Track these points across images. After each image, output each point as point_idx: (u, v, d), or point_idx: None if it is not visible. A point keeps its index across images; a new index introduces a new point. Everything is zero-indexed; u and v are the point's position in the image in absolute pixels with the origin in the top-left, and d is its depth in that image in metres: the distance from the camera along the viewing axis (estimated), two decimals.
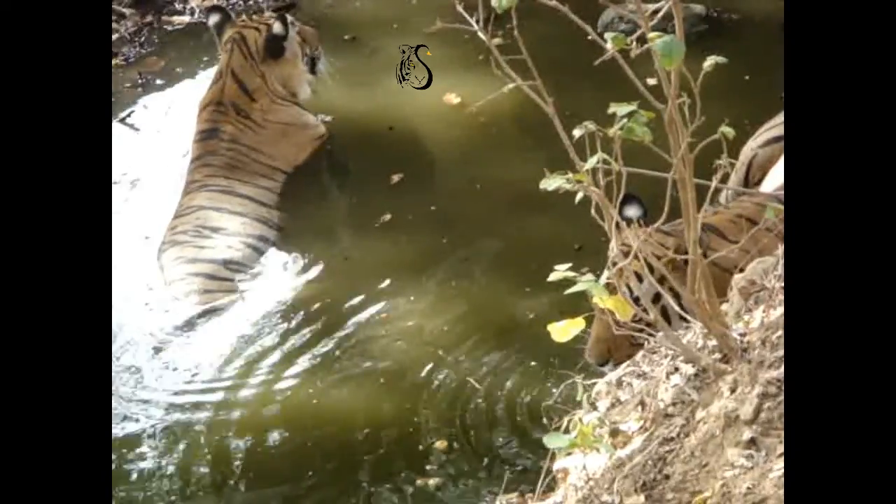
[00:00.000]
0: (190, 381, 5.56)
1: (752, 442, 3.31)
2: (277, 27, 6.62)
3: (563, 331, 3.59)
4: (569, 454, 3.82)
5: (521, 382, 5.31)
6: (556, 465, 3.91)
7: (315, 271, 6.03)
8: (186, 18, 7.76)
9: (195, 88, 7.10)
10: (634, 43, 3.26)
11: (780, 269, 3.91)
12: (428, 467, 5.07)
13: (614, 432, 3.82)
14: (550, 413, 4.97)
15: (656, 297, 4.18)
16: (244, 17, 7.01)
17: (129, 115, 7.11)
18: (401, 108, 6.78)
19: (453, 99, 6.79)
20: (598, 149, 3.38)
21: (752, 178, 5.63)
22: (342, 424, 5.28)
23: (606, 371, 4.57)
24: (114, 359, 5.65)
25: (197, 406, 5.46)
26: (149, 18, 7.78)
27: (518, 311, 5.63)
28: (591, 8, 3.69)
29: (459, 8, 3.59)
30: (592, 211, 3.53)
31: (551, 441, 3.68)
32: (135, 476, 5.22)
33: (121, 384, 5.56)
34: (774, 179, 5.47)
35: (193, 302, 5.91)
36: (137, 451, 5.30)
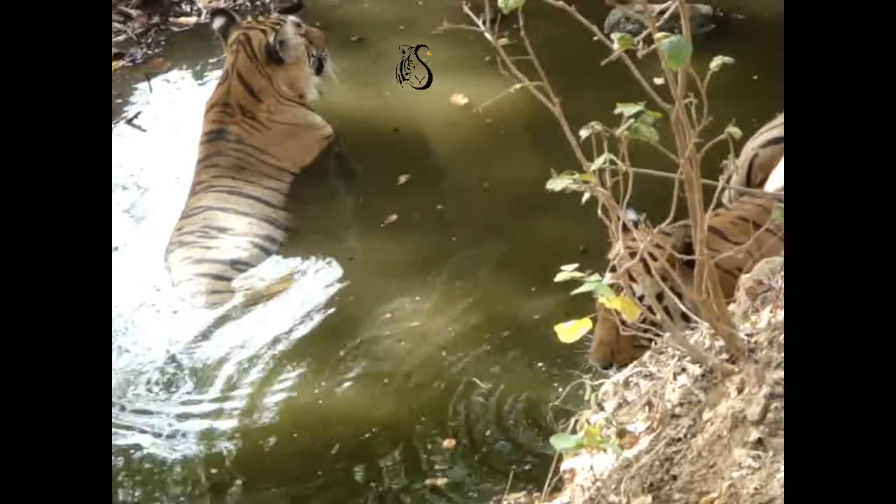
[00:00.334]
0: (195, 382, 5.57)
1: (759, 442, 3.30)
2: (274, 38, 6.61)
3: (571, 331, 3.59)
4: (576, 455, 3.82)
5: (527, 383, 5.31)
6: (564, 466, 3.91)
7: (321, 272, 6.03)
8: (193, 20, 7.77)
9: (201, 89, 7.11)
10: (641, 43, 3.26)
11: None
12: (437, 467, 5.07)
13: (621, 433, 3.82)
14: (557, 413, 4.97)
15: (659, 297, 4.18)
16: (249, 18, 7.02)
17: (135, 117, 7.12)
18: (407, 109, 6.78)
19: (460, 100, 6.79)
20: (604, 149, 3.38)
21: (753, 179, 5.62)
22: (349, 425, 5.28)
23: (611, 374, 4.57)
24: (121, 360, 5.66)
25: (203, 406, 5.46)
26: (155, 20, 7.79)
27: (524, 311, 5.63)
28: (597, 8, 3.69)
29: (466, 9, 3.59)
30: (599, 211, 3.53)
31: (558, 441, 3.68)
32: (141, 477, 5.22)
33: (127, 386, 5.56)
34: (777, 180, 5.46)
35: (200, 302, 5.92)
36: (144, 451, 5.31)
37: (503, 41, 3.47)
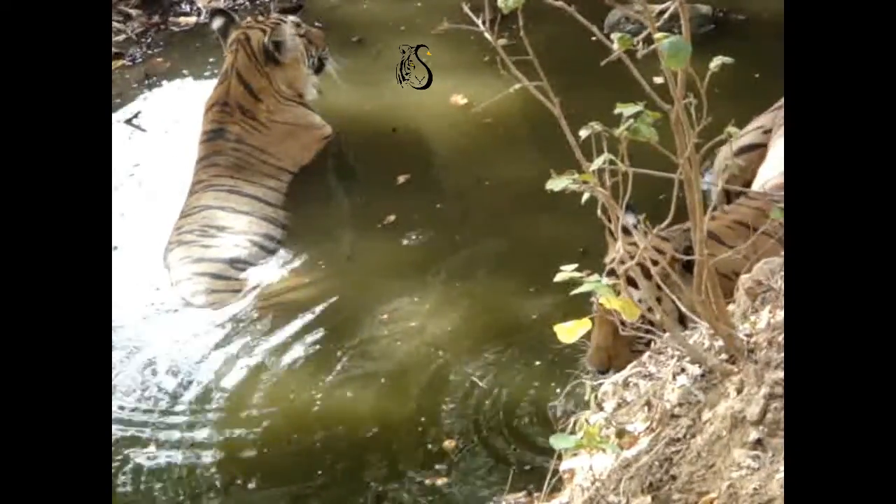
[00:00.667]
0: (194, 382, 5.57)
1: (758, 443, 3.30)
2: (268, 38, 6.61)
3: (570, 332, 3.59)
4: (575, 455, 3.81)
5: (526, 383, 5.31)
6: (563, 466, 3.91)
7: (320, 271, 6.03)
8: (193, 19, 7.77)
9: (201, 89, 7.11)
10: (641, 43, 3.26)
11: None
12: (437, 466, 5.07)
13: (620, 433, 3.82)
14: (556, 413, 4.97)
15: (659, 299, 4.18)
16: (249, 18, 7.02)
17: (135, 116, 7.12)
18: (407, 109, 6.78)
19: (460, 100, 6.79)
20: (604, 149, 3.37)
21: (730, 191, 5.56)
22: (348, 425, 5.28)
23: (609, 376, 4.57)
24: (120, 359, 5.66)
25: (201, 406, 5.46)
26: (155, 19, 7.79)
27: (522, 311, 5.63)
28: (597, 8, 3.69)
29: (466, 9, 3.59)
30: (599, 211, 3.53)
31: (558, 442, 3.68)
32: (142, 477, 5.22)
33: (127, 385, 5.56)
34: (764, 178, 5.44)
35: (200, 301, 5.92)
36: (144, 451, 5.31)
37: (503, 41, 3.47)
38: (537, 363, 5.36)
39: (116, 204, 6.44)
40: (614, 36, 3.30)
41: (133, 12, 7.81)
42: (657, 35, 3.19)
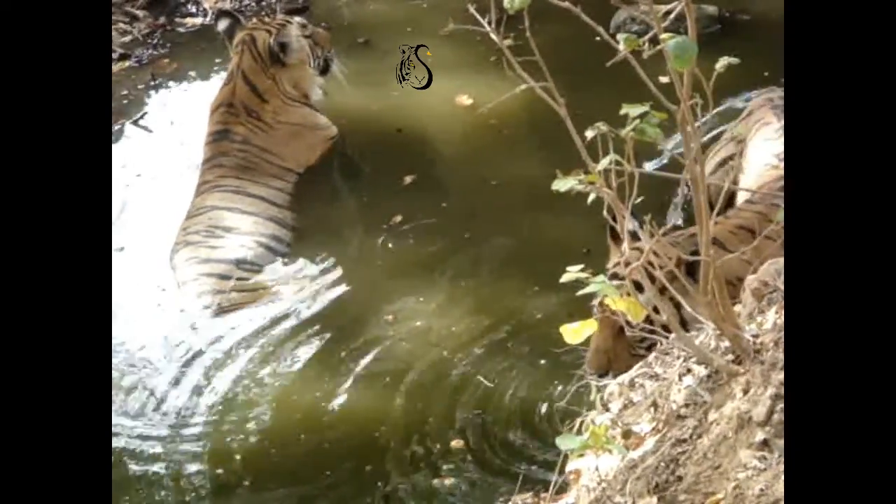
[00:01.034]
0: (199, 382, 5.57)
1: (764, 443, 3.30)
2: (273, 39, 6.61)
3: (576, 332, 3.59)
4: (581, 455, 3.81)
5: (531, 383, 5.31)
6: (569, 467, 3.91)
7: (325, 272, 6.04)
8: (199, 20, 7.78)
9: (207, 90, 7.12)
10: (647, 44, 3.26)
11: None
12: (444, 466, 5.08)
13: (627, 434, 3.82)
14: (562, 414, 4.97)
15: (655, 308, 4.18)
16: (255, 19, 7.02)
17: (141, 117, 7.13)
18: (413, 110, 6.79)
19: (465, 100, 6.80)
20: (610, 150, 3.37)
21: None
22: (355, 425, 5.28)
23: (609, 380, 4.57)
24: (126, 359, 5.67)
25: (207, 406, 5.46)
26: (161, 20, 7.79)
27: (527, 311, 5.63)
28: (603, 9, 3.68)
29: (472, 9, 3.59)
30: (604, 212, 3.52)
31: (564, 442, 3.68)
32: (150, 477, 5.22)
33: (132, 386, 5.57)
34: (749, 179, 5.38)
35: (206, 302, 5.93)
36: (151, 452, 5.31)
37: (508, 42, 3.47)
38: (542, 363, 5.36)
39: (122, 205, 6.46)
40: (620, 36, 3.30)
41: (139, 13, 7.82)
42: (663, 35, 3.18)
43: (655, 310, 4.09)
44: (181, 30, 7.76)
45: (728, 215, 5.10)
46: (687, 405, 3.68)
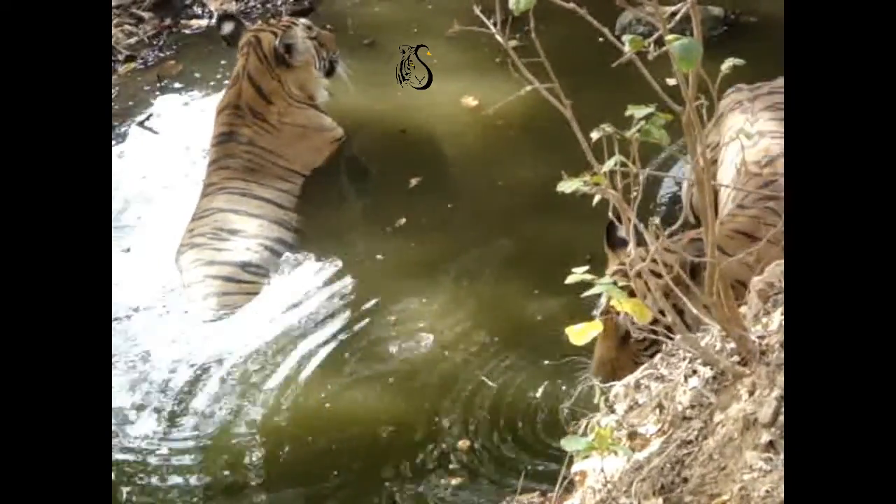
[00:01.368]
0: (204, 383, 5.57)
1: (770, 445, 3.30)
2: (279, 40, 6.61)
3: (580, 334, 3.59)
4: (587, 457, 3.81)
5: (535, 384, 5.31)
6: (574, 468, 3.90)
7: (330, 274, 6.04)
8: (204, 22, 7.79)
9: (213, 92, 7.12)
10: (652, 45, 3.26)
11: None
12: (451, 466, 5.08)
13: (632, 435, 3.82)
14: (567, 415, 4.97)
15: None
16: (260, 21, 7.03)
17: (147, 119, 7.13)
18: (418, 112, 6.79)
19: (470, 102, 6.80)
20: (615, 151, 3.37)
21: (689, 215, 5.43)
22: (361, 426, 5.28)
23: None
24: (130, 360, 5.68)
25: (212, 408, 5.46)
26: (167, 22, 7.80)
27: (529, 313, 5.63)
28: (608, 10, 3.68)
29: (477, 11, 3.59)
30: (610, 213, 3.52)
31: (569, 444, 3.68)
32: (155, 479, 5.23)
33: (136, 386, 5.57)
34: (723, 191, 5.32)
35: (211, 304, 5.93)
36: (156, 453, 5.32)
37: (514, 43, 3.47)
38: (546, 364, 5.36)
39: (128, 206, 6.46)
40: (625, 38, 3.30)
41: (145, 15, 7.83)
42: (668, 37, 3.18)
43: (661, 312, 4.09)
44: (187, 31, 7.77)
45: (722, 220, 5.07)
46: (692, 406, 3.68)
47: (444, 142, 6.67)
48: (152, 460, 5.29)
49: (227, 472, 5.22)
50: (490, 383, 5.32)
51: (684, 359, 3.88)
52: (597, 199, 3.47)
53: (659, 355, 4.13)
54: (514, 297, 5.75)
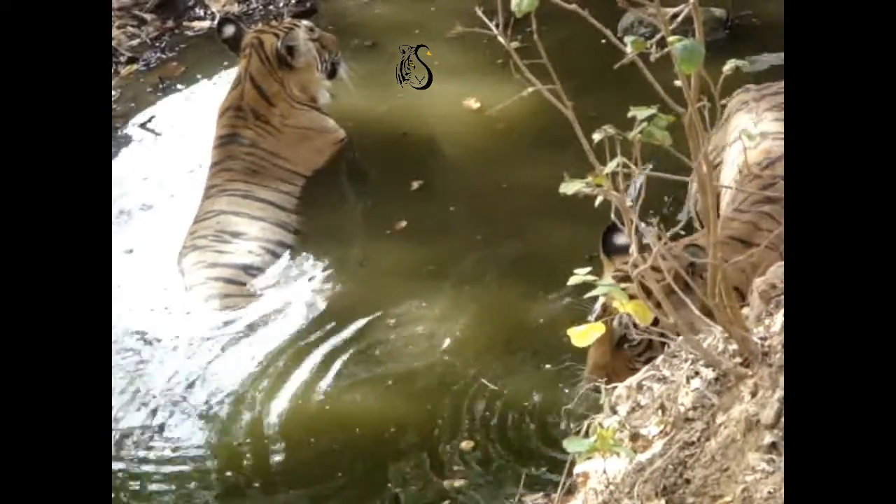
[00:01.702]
0: (205, 384, 5.58)
1: (773, 446, 3.30)
2: (281, 42, 6.61)
3: (583, 335, 3.59)
4: (589, 458, 3.81)
5: (536, 386, 5.31)
6: (577, 469, 3.90)
7: (332, 276, 6.05)
8: (207, 24, 7.79)
9: (215, 93, 7.12)
10: (654, 46, 3.26)
11: None
12: (455, 468, 5.08)
13: (634, 436, 3.82)
14: (570, 417, 4.97)
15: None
16: (261, 24, 7.03)
17: (149, 120, 7.14)
18: (420, 114, 6.79)
19: (473, 104, 6.79)
20: (617, 153, 3.37)
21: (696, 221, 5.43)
22: (364, 428, 5.29)
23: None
24: (132, 361, 5.68)
25: (213, 409, 5.47)
26: (170, 24, 7.80)
27: (530, 315, 5.63)
28: (610, 12, 3.68)
29: (479, 12, 3.59)
30: (612, 215, 3.52)
31: (571, 445, 3.68)
32: (157, 481, 5.23)
33: (138, 388, 5.57)
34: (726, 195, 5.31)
35: (213, 306, 5.93)
36: (157, 454, 5.32)
37: (516, 44, 3.47)
38: (547, 366, 5.36)
39: (130, 208, 6.47)
40: (628, 39, 3.30)
41: (147, 17, 7.83)
42: (670, 38, 3.18)
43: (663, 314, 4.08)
44: (189, 33, 7.77)
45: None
46: (695, 408, 3.68)
47: (445, 144, 6.67)
48: (153, 463, 5.29)
49: (228, 474, 5.22)
50: (492, 386, 5.32)
51: (686, 360, 3.88)
52: (598, 200, 3.46)
53: (661, 356, 4.13)
54: (515, 299, 5.75)
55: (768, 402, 3.36)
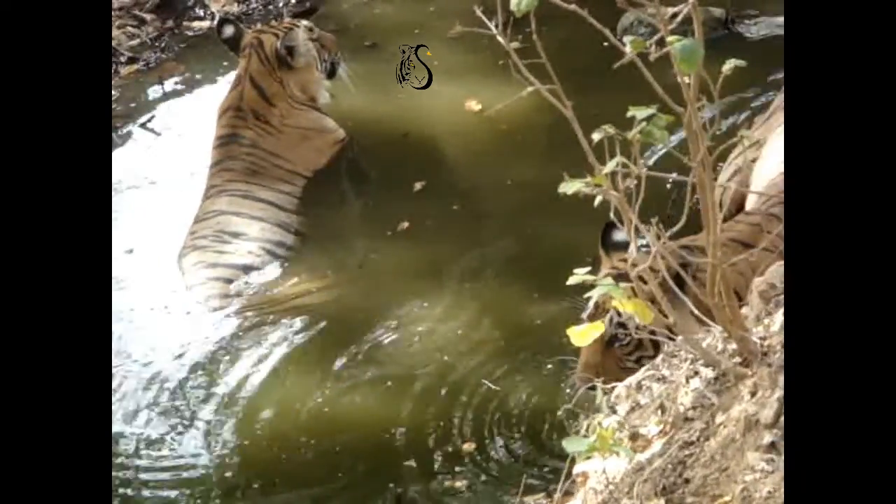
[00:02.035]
0: (206, 385, 5.58)
1: (772, 446, 3.30)
2: (281, 42, 6.62)
3: (583, 335, 3.59)
4: (588, 458, 3.81)
5: (537, 386, 5.31)
6: (576, 469, 3.90)
7: (331, 276, 6.04)
8: (206, 24, 7.79)
9: (215, 93, 7.13)
10: (653, 46, 3.26)
11: None
12: (456, 468, 5.08)
13: (634, 436, 3.82)
14: (569, 416, 4.97)
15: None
16: (260, 24, 7.03)
17: (149, 120, 7.14)
18: (421, 114, 6.79)
19: (474, 105, 6.80)
20: (617, 152, 3.37)
21: (726, 213, 5.45)
22: (365, 428, 5.28)
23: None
24: (133, 362, 5.68)
25: (213, 409, 5.47)
26: (169, 24, 7.81)
27: (530, 315, 5.64)
28: (610, 12, 3.68)
29: (478, 12, 3.59)
30: (611, 214, 3.52)
31: (571, 445, 3.68)
32: (157, 483, 5.23)
33: (139, 389, 5.57)
34: (761, 185, 5.32)
35: (213, 306, 5.93)
36: (157, 455, 5.32)
37: (515, 45, 3.47)
38: (548, 366, 5.37)
39: (130, 208, 6.47)
40: (627, 39, 3.30)
41: (147, 17, 7.84)
42: (670, 38, 3.18)
43: (662, 313, 4.09)
44: (189, 33, 7.77)
45: (722, 227, 5.05)
46: (694, 407, 3.68)
47: (446, 144, 6.67)
48: (153, 463, 5.29)
49: (229, 474, 5.22)
50: (492, 386, 5.32)
51: (686, 360, 3.88)
52: (598, 200, 3.46)
53: (660, 356, 4.13)
54: (516, 299, 5.75)
55: (768, 402, 3.36)
